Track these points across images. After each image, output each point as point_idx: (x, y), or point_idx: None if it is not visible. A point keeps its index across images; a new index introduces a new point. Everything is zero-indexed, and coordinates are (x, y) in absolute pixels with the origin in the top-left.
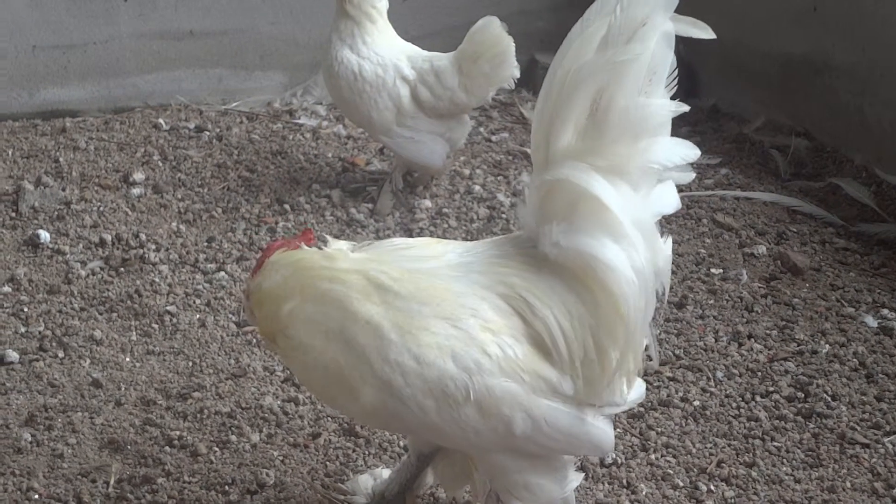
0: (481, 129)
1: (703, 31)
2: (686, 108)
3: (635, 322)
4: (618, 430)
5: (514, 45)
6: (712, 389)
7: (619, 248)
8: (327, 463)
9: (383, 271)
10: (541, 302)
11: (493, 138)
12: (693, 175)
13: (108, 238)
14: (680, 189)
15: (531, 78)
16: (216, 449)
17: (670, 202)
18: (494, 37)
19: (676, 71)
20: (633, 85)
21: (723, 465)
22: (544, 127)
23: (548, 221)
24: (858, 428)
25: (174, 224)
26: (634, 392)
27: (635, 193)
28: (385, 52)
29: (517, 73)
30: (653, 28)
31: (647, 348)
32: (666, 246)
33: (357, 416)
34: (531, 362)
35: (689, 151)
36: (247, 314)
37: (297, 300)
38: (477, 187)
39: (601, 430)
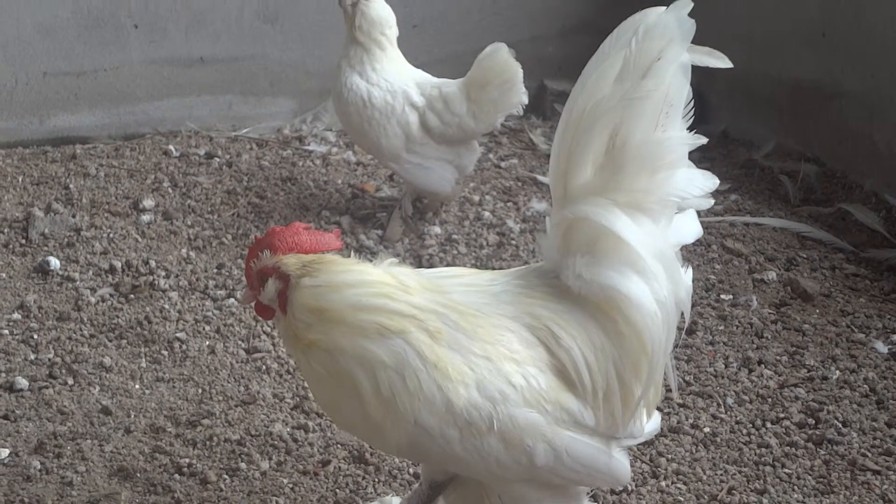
0: (491, 156)
1: (719, 61)
2: (703, 140)
3: (658, 354)
4: (628, 456)
5: (522, 71)
6: (723, 416)
7: (642, 282)
8: (337, 490)
9: (452, 309)
10: (566, 333)
11: (503, 164)
12: (712, 202)
13: (118, 265)
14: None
15: (541, 104)
16: (226, 476)
17: (692, 231)
18: (502, 63)
19: (693, 101)
20: (650, 120)
21: (734, 491)
22: (562, 162)
23: (571, 254)
24: (869, 454)
25: (184, 250)
26: (651, 423)
27: (656, 226)
28: (394, 78)
29: (525, 100)
30: (669, 61)
31: (665, 378)
32: (686, 276)
33: (376, 443)
34: (555, 393)
35: (707, 182)
36: (248, 291)
37: (351, 329)
38: (486, 213)
39: (619, 461)
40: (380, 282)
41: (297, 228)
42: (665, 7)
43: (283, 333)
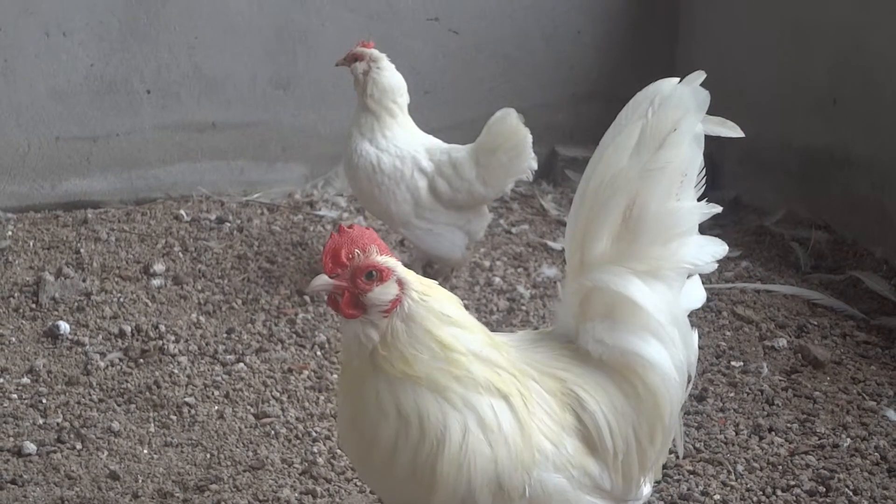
0: (501, 221)
1: (732, 131)
2: (718, 209)
3: (672, 417)
4: None
5: (531, 136)
6: (733, 483)
7: (661, 346)
8: None
9: (521, 372)
10: (590, 396)
11: (514, 230)
12: (716, 266)
13: (128, 329)
14: (701, 281)
15: (551, 170)
16: None
17: (698, 297)
18: (511, 128)
19: (704, 169)
20: (666, 191)
21: None
22: (579, 232)
23: (589, 320)
24: None
25: (194, 315)
26: (647, 488)
27: (670, 292)
28: (404, 144)
29: (534, 165)
30: (685, 132)
31: (673, 442)
32: (694, 339)
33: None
34: (580, 457)
35: (718, 249)
36: (337, 282)
37: (463, 375)
38: (497, 279)
39: None
40: (481, 329)
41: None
42: (678, 78)
43: (355, 344)
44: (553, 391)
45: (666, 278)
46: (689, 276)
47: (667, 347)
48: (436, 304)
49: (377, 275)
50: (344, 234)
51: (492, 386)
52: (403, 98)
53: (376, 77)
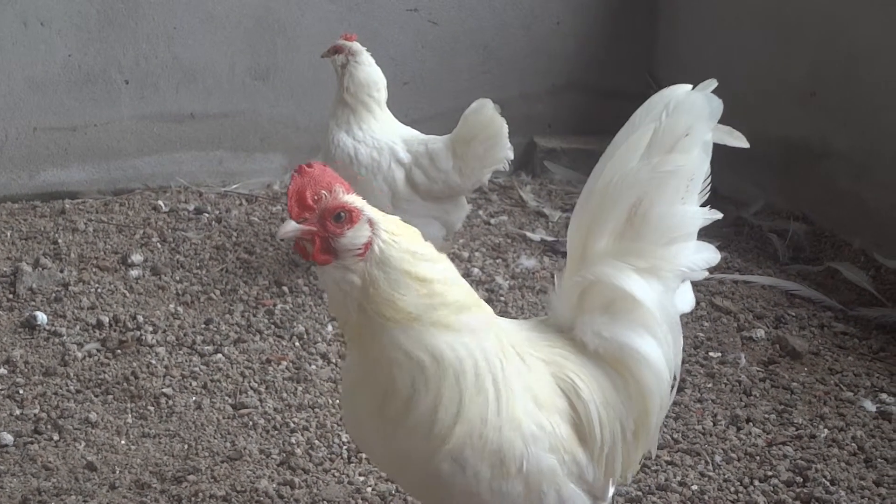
0: (480, 212)
1: (738, 141)
2: (719, 215)
3: (658, 416)
4: None
5: (507, 126)
6: (710, 474)
7: (657, 344)
8: None
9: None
10: (586, 386)
11: (493, 221)
12: (707, 273)
13: (106, 320)
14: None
15: (530, 161)
16: None
17: (688, 301)
18: (487, 119)
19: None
20: (673, 194)
21: None
22: (584, 226)
23: (587, 313)
24: None
25: (172, 306)
26: (611, 489)
27: (667, 293)
28: (381, 135)
29: (511, 155)
30: (696, 138)
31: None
32: (681, 343)
33: (403, 465)
34: (570, 444)
35: (712, 256)
36: (304, 227)
37: (447, 314)
38: (476, 270)
39: None
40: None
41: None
42: (691, 85)
43: (339, 294)
44: (551, 372)
45: (664, 279)
46: (683, 280)
47: (661, 346)
48: (405, 242)
49: (346, 216)
50: (305, 175)
51: (481, 303)
52: (381, 93)
53: (353, 71)
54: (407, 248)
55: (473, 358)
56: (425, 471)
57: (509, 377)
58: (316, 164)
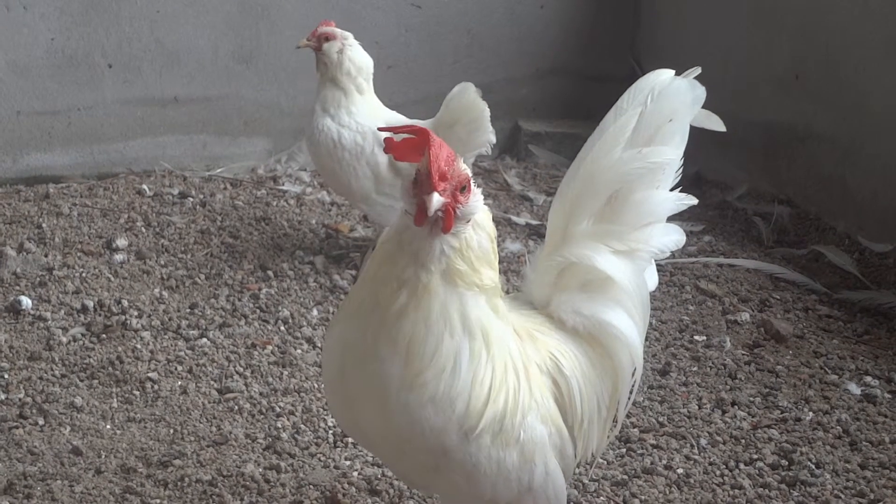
0: None
1: (717, 125)
2: (694, 201)
3: (626, 393)
4: (601, 498)
5: (489, 110)
6: (696, 457)
7: (632, 322)
8: None
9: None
10: (567, 361)
11: None
12: (669, 254)
13: (91, 304)
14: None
15: (515, 145)
16: None
17: (654, 280)
18: (470, 103)
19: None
20: (651, 181)
21: None
22: (566, 209)
23: (565, 291)
24: (843, 496)
25: (157, 290)
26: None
27: (639, 273)
28: (365, 120)
29: (493, 139)
30: (679, 124)
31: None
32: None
33: (424, 428)
34: (556, 417)
35: (680, 238)
36: (442, 196)
37: (488, 288)
38: None
39: None
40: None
41: None
42: (674, 70)
43: (434, 261)
44: (535, 348)
45: (638, 259)
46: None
47: (635, 323)
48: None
49: (467, 185)
50: (439, 146)
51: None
52: (365, 74)
53: (352, 54)
54: (488, 213)
55: (506, 338)
56: (431, 443)
57: (513, 351)
58: (427, 129)
